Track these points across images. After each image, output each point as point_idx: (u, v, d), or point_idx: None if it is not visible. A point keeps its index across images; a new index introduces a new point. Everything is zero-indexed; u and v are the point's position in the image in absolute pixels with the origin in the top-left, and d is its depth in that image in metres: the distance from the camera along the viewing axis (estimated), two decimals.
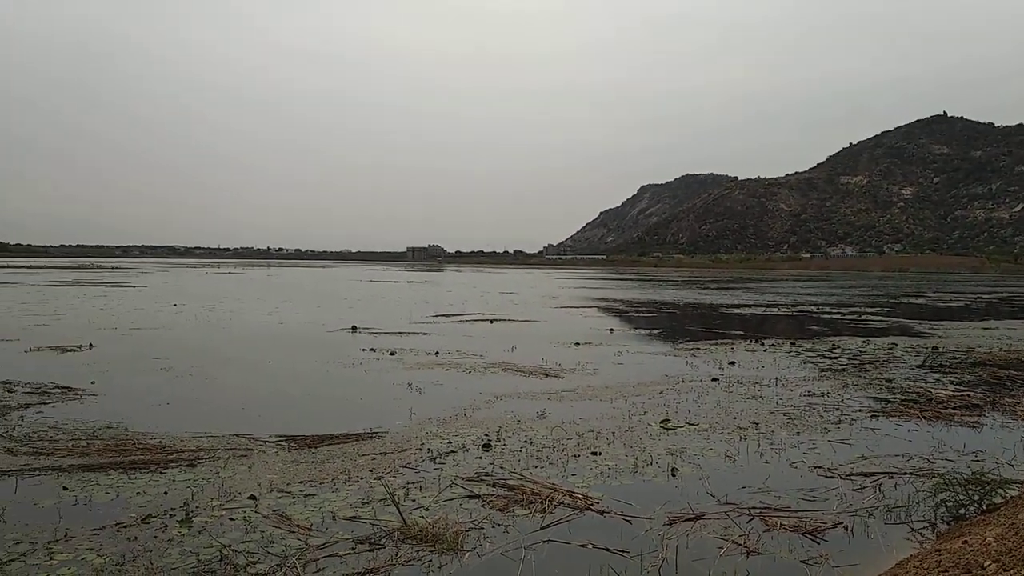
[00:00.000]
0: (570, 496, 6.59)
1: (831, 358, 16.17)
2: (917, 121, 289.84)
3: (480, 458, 7.85)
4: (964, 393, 11.65)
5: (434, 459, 7.80)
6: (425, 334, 20.56)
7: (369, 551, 5.39)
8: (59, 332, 19.55)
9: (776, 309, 33.81)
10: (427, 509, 6.26)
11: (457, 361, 15.14)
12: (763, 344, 18.72)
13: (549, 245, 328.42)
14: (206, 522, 5.89)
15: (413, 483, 6.96)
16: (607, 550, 5.46)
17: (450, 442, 8.50)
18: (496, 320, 25.64)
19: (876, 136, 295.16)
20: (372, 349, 16.91)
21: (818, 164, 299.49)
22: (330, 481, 7.01)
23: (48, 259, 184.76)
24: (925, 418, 9.97)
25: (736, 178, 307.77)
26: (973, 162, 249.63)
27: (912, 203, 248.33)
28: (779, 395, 11.60)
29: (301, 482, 6.97)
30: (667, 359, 16.00)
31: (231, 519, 5.97)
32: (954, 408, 10.52)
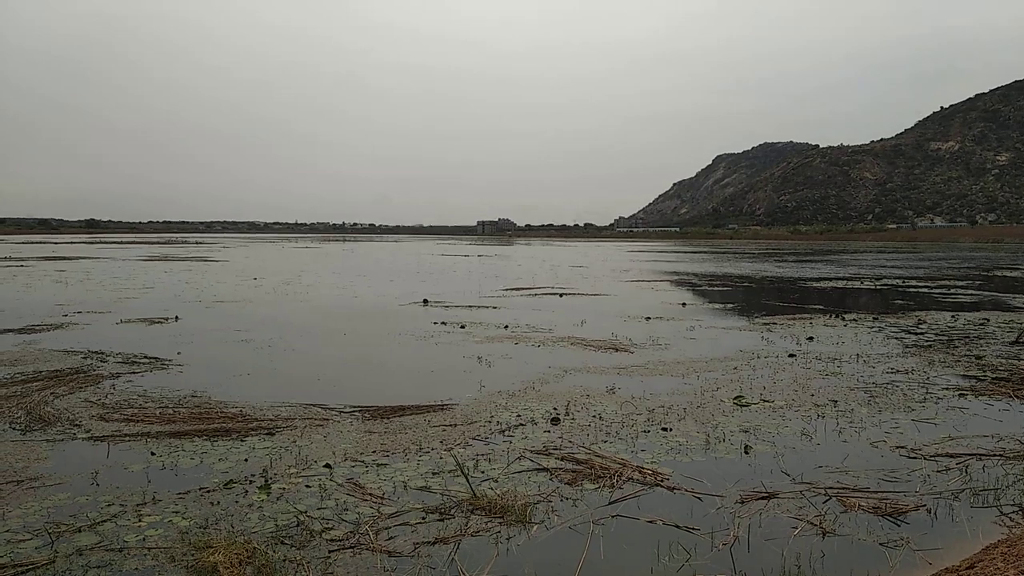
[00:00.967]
0: (639, 471, 6.53)
1: (917, 334, 15.49)
2: (1016, 82, 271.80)
3: (548, 432, 7.86)
4: None
5: (503, 432, 7.85)
6: (494, 307, 20.67)
7: (439, 521, 5.48)
8: (147, 305, 20.52)
9: (858, 282, 32.57)
10: (496, 481, 6.31)
11: (526, 335, 15.17)
12: (843, 319, 18.09)
13: (620, 218, 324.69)
14: (284, 488, 6.10)
15: (482, 455, 7.03)
16: (677, 527, 5.40)
17: (519, 415, 8.54)
18: (565, 294, 25.55)
19: (970, 99, 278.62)
20: (443, 322, 17.11)
21: (906, 130, 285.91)
22: (402, 451, 7.15)
23: (138, 235, 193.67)
24: (1018, 397, 9.45)
25: (817, 146, 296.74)
26: None
27: (1008, 170, 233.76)
28: (860, 372, 11.20)
29: (374, 452, 7.13)
30: (742, 334, 15.64)
31: (307, 486, 6.17)
32: None
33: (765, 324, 17.22)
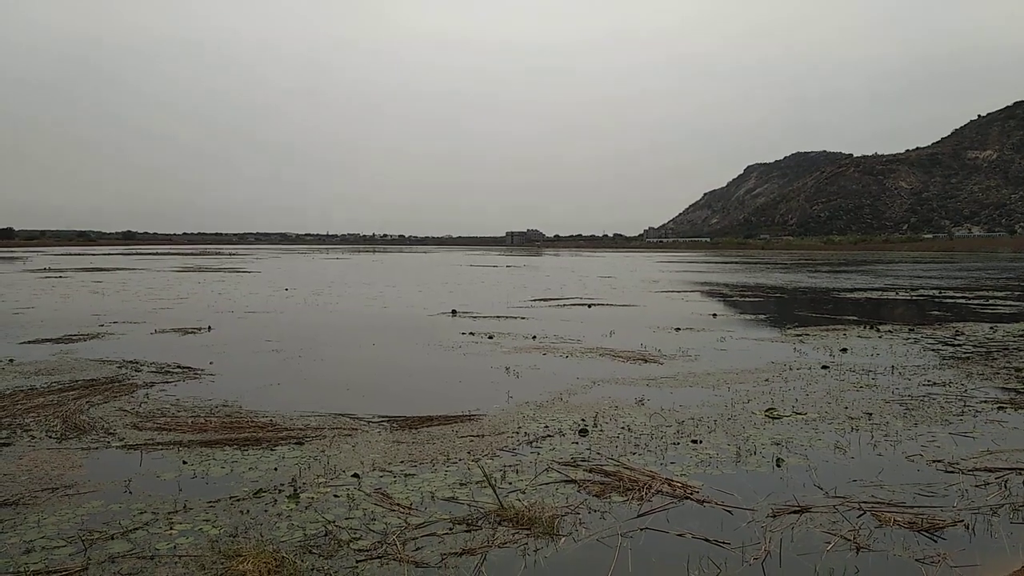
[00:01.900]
0: (668, 484, 6.46)
1: (954, 345, 15.16)
2: None
3: (577, 443, 7.81)
4: None
5: (531, 443, 7.82)
6: (523, 318, 20.66)
7: (466, 532, 5.46)
8: (181, 315, 20.86)
9: (894, 293, 31.99)
10: (523, 492, 6.28)
11: (554, 345, 15.13)
12: (878, 330, 17.76)
13: (650, 228, 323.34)
14: (312, 498, 6.13)
15: (510, 466, 7.01)
16: (707, 540, 5.32)
17: (547, 426, 8.50)
18: (594, 305, 25.46)
19: (1008, 107, 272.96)
20: (471, 333, 17.14)
21: (942, 139, 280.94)
22: (429, 462, 7.15)
23: (173, 246, 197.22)
24: None
25: (851, 155, 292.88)
26: None
27: None
28: (895, 384, 10.98)
29: (402, 462, 7.14)
30: (773, 345, 15.43)
31: (335, 496, 6.19)
32: None
33: (797, 335, 16.98)
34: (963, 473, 6.80)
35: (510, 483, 6.53)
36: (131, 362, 12.70)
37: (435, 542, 5.29)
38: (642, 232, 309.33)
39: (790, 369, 12.30)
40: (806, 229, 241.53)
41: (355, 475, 6.71)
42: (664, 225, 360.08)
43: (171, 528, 5.49)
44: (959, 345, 15.18)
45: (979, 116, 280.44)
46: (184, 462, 7.09)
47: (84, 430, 8.21)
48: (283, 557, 4.92)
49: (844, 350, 14.40)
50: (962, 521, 5.65)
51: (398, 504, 6.01)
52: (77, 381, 10.96)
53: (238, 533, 5.39)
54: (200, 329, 17.57)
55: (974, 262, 79.53)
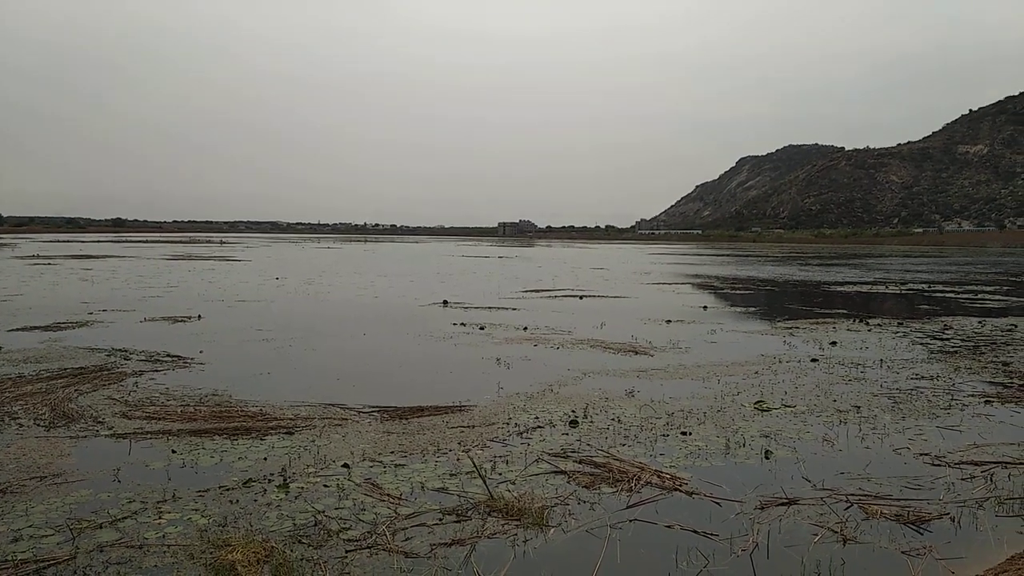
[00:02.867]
0: (658, 476, 6.49)
1: (942, 339, 15.26)
2: None
3: (567, 434, 7.83)
4: None
5: (521, 434, 7.83)
6: (514, 309, 20.66)
7: (456, 522, 5.48)
8: (171, 304, 20.76)
9: (883, 287, 32.16)
10: (513, 483, 6.30)
11: (545, 336, 15.14)
12: (868, 324, 17.86)
13: (642, 220, 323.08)
14: (302, 488, 6.13)
15: (500, 457, 7.02)
16: (695, 532, 5.35)
17: (537, 417, 8.52)
18: (585, 296, 25.49)
19: (999, 102, 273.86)
20: (462, 323, 17.13)
21: (933, 133, 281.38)
22: (419, 452, 7.15)
23: (163, 233, 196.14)
24: None
25: (843, 148, 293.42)
26: None
27: None
28: (884, 377, 11.05)
29: (392, 452, 7.15)
30: (763, 338, 15.49)
31: (325, 486, 6.19)
32: None
33: (787, 328, 17.05)
34: (950, 466, 6.85)
35: (500, 474, 6.54)
36: (120, 350, 12.64)
37: (425, 532, 5.30)
38: (634, 224, 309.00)
39: (780, 362, 12.35)
40: (797, 222, 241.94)
41: (345, 465, 6.71)
42: (656, 217, 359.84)
43: (160, 517, 5.47)
44: (947, 339, 15.28)
45: (970, 111, 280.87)
46: (173, 451, 7.07)
47: (73, 418, 8.18)
48: (272, 547, 4.92)
49: (833, 343, 14.48)
50: (948, 514, 5.70)
51: (388, 494, 6.01)
52: (66, 369, 10.91)
53: (227, 523, 5.39)
54: (190, 318, 17.50)
55: (964, 256, 80.00)
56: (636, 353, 13.18)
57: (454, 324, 17.03)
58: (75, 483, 6.19)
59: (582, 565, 4.87)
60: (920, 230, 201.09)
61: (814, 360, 12.47)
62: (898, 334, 15.99)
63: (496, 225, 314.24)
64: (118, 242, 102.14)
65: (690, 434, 7.83)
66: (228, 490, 6.06)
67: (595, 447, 7.35)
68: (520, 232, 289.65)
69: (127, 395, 9.37)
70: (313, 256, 62.81)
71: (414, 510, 5.70)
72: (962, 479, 6.52)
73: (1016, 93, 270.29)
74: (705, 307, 22.12)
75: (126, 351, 12.57)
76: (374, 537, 5.19)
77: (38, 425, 7.94)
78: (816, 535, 5.31)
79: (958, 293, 28.43)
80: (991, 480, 6.49)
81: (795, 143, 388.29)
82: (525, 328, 16.38)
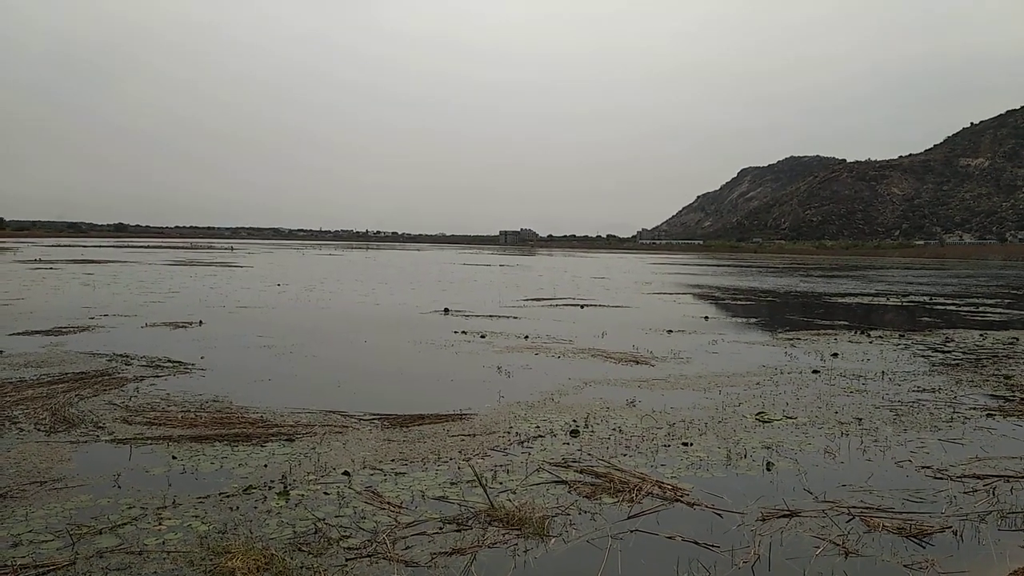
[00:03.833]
0: (659, 486, 6.47)
1: (944, 352, 15.24)
2: None
3: (568, 444, 7.82)
4: None
5: (522, 443, 7.82)
6: (515, 318, 20.65)
7: (456, 531, 5.46)
8: (172, 309, 20.77)
9: (885, 299, 32.14)
10: (514, 493, 6.28)
11: (546, 345, 15.13)
12: (869, 336, 17.84)
13: (643, 230, 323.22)
14: (302, 495, 6.12)
15: (500, 466, 7.01)
16: (696, 543, 5.33)
17: (538, 427, 8.51)
18: (586, 305, 25.48)
19: (1001, 115, 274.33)
20: (463, 331, 17.13)
21: (935, 145, 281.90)
22: (420, 460, 7.14)
23: (165, 239, 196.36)
24: None
25: (844, 160, 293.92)
26: None
27: None
28: (885, 390, 11.03)
29: (392, 460, 7.13)
30: (765, 349, 15.48)
31: (326, 493, 6.18)
32: None
33: (789, 339, 17.04)
34: (952, 479, 6.83)
35: (501, 483, 6.53)
36: (121, 355, 12.63)
37: (425, 541, 5.29)
38: (635, 233, 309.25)
39: (781, 373, 12.34)
40: (798, 233, 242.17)
41: (345, 473, 6.70)
42: (657, 227, 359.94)
43: (160, 524, 5.46)
44: (949, 352, 15.26)
45: (972, 124, 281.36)
46: (174, 457, 7.06)
47: (73, 423, 8.17)
48: (272, 554, 4.90)
49: (835, 355, 14.46)
50: (950, 527, 5.68)
51: (388, 502, 6.00)
52: (67, 374, 10.90)
53: (227, 530, 5.37)
54: (191, 323, 17.50)
55: (965, 269, 80.00)
56: (637, 363, 13.16)
57: (455, 332, 17.02)
58: (75, 488, 6.17)
59: None
60: (921, 242, 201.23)
61: (815, 372, 12.45)
62: (900, 346, 15.97)
63: (497, 233, 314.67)
64: (120, 247, 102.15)
65: (691, 445, 7.81)
66: (228, 497, 6.05)
67: (596, 457, 7.33)
68: (521, 241, 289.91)
69: (128, 400, 9.36)
70: (314, 263, 62.84)
71: (414, 519, 5.68)
72: (964, 492, 6.50)
73: (1018, 106, 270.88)
74: (706, 317, 22.11)
75: (127, 356, 12.57)
76: (374, 545, 5.18)
77: (38, 430, 7.93)
78: (818, 548, 5.29)
79: (959, 306, 28.41)
80: (993, 494, 6.47)
81: (796, 155, 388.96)
82: (526, 337, 16.37)
